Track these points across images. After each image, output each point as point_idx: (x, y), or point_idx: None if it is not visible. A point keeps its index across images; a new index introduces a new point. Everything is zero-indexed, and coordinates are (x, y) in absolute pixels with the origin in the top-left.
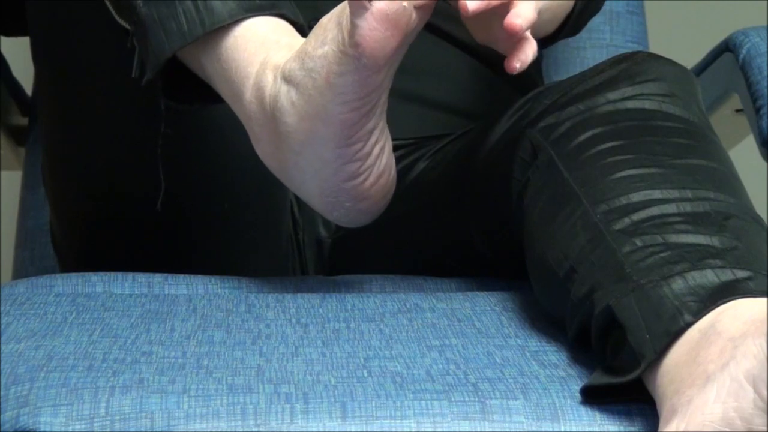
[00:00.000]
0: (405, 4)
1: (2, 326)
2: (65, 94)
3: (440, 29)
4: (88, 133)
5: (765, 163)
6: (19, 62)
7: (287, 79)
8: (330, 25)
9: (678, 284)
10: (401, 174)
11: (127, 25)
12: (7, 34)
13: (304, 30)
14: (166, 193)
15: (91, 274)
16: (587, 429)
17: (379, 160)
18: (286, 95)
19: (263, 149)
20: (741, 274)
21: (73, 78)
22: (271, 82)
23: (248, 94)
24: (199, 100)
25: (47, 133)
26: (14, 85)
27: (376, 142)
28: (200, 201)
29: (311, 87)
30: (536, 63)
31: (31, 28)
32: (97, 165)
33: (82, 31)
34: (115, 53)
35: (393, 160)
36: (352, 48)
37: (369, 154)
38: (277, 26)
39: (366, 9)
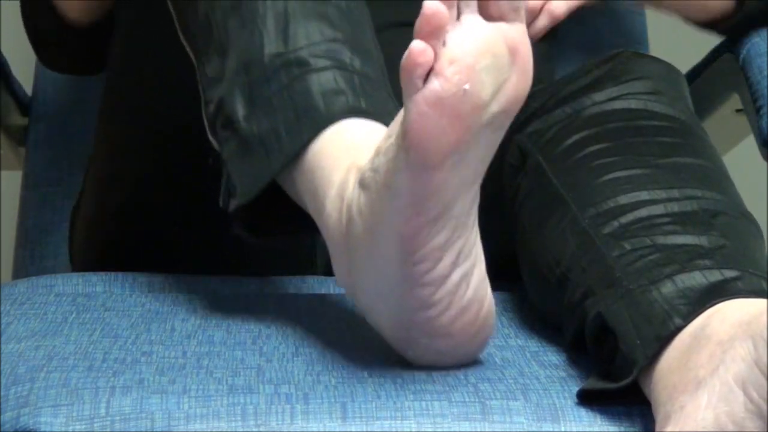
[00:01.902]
0: (467, 86)
1: (2, 326)
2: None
3: None
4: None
5: (765, 163)
6: (19, 62)
7: (362, 183)
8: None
9: (667, 288)
10: None
11: (216, 145)
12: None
13: None
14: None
15: (91, 274)
16: (587, 430)
17: (461, 289)
18: (357, 202)
19: (338, 272)
20: (729, 273)
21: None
22: (351, 188)
23: (328, 206)
24: (280, 231)
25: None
26: (14, 85)
27: (454, 264)
28: (206, 202)
29: (374, 190)
30: (546, 65)
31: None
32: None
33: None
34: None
35: (488, 292)
36: (401, 137)
37: (445, 278)
38: (372, 128)
39: (417, 88)
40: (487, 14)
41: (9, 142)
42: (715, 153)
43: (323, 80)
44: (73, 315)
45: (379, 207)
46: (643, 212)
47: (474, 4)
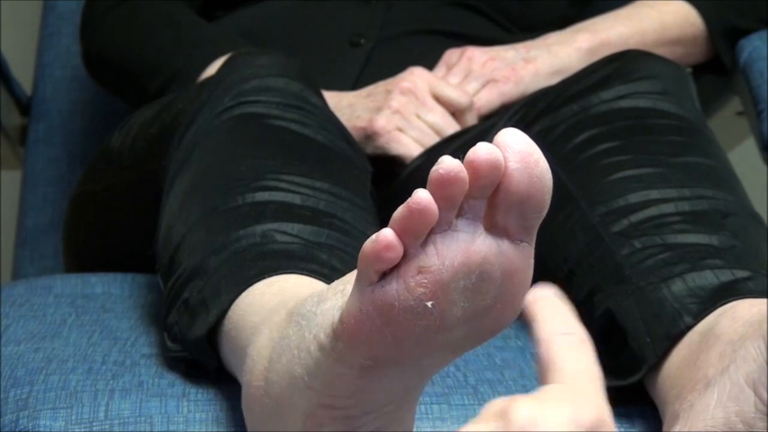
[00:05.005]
0: (430, 303)
1: (2, 328)
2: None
3: (443, 29)
4: None
5: (765, 165)
6: (19, 62)
7: (288, 330)
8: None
9: (677, 286)
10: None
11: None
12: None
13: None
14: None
15: (90, 275)
16: None
17: None
18: (274, 365)
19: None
20: (740, 274)
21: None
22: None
23: (248, 362)
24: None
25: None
26: (14, 85)
27: None
28: None
29: (288, 356)
30: None
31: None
32: None
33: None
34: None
35: None
36: (337, 321)
37: None
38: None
39: (370, 282)
40: (491, 224)
41: (9, 142)
42: (723, 154)
43: None
44: (72, 317)
45: (287, 382)
46: (654, 211)
47: (480, 208)
